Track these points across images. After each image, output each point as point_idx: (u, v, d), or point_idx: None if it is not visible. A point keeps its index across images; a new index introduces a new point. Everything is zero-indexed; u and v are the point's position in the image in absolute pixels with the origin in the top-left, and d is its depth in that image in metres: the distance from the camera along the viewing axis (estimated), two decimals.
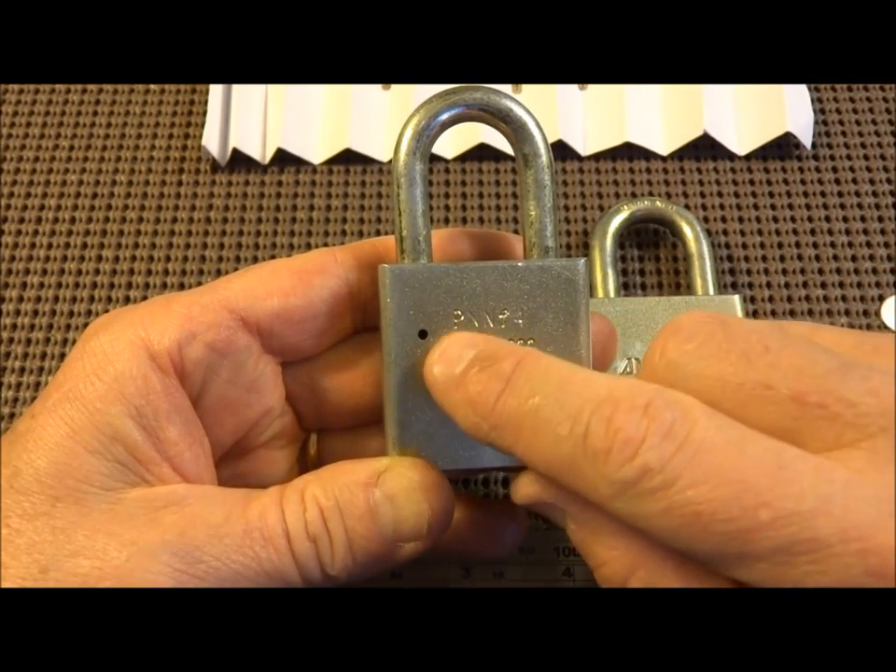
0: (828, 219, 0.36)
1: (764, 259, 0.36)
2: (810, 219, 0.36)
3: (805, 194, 0.37)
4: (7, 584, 0.20)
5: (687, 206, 0.37)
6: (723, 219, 0.36)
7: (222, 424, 0.24)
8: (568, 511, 0.21)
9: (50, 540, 0.20)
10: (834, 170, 0.37)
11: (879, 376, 0.18)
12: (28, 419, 0.22)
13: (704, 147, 0.38)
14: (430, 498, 0.23)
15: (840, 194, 0.37)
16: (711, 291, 0.33)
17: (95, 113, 0.40)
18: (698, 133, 0.37)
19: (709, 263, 0.34)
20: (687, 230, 0.35)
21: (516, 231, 0.36)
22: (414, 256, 0.23)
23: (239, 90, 0.39)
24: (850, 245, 0.36)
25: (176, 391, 0.22)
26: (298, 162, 0.38)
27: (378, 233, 0.37)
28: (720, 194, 0.37)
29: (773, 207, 0.37)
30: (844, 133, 0.38)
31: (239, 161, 0.38)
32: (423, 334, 0.23)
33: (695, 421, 0.18)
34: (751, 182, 0.37)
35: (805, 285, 0.35)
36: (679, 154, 0.38)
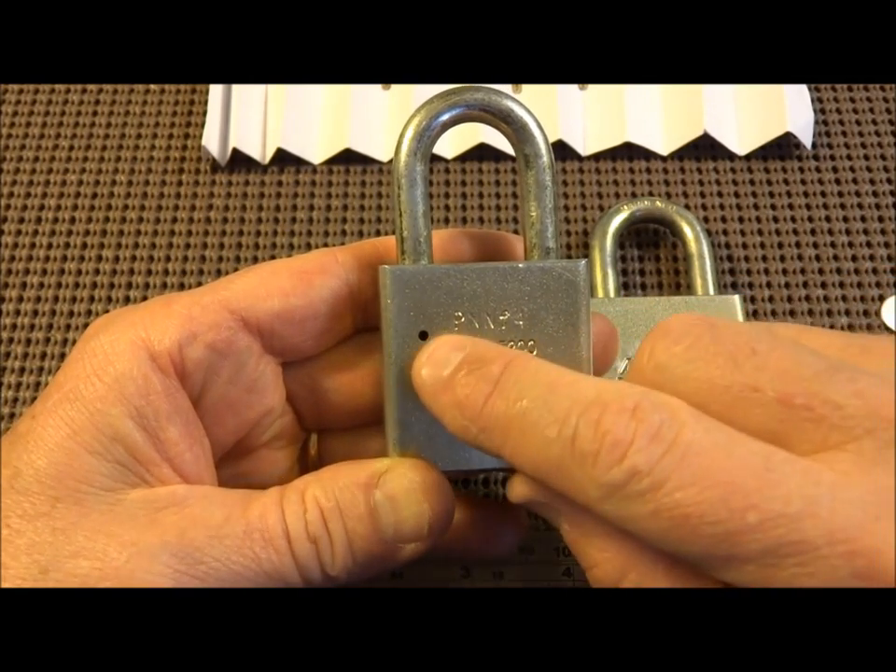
0: (828, 219, 0.36)
1: (764, 259, 0.36)
2: (810, 219, 0.36)
3: (805, 194, 0.37)
4: (7, 584, 0.20)
5: (687, 206, 0.37)
6: (723, 219, 0.36)
7: (223, 424, 0.24)
8: (561, 511, 0.21)
9: (50, 541, 0.20)
10: (834, 170, 0.37)
11: (866, 378, 0.18)
12: (28, 419, 0.22)
13: (704, 147, 0.38)
14: (431, 499, 0.23)
15: (840, 194, 0.37)
16: (711, 291, 0.33)
17: (95, 113, 0.39)
18: (698, 133, 0.37)
19: (709, 263, 0.34)
20: (687, 230, 0.35)
21: (516, 232, 0.36)
22: (415, 257, 0.23)
23: (239, 90, 0.39)
24: (850, 245, 0.36)
25: (177, 392, 0.22)
26: (298, 162, 0.38)
27: (378, 233, 0.37)
28: (720, 194, 0.37)
29: (773, 207, 0.37)
30: (844, 133, 0.38)
31: (239, 161, 0.38)
32: (423, 335, 0.23)
33: (683, 423, 0.18)
34: (751, 182, 0.37)
35: (805, 285, 0.35)
36: (679, 154, 0.38)
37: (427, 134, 0.23)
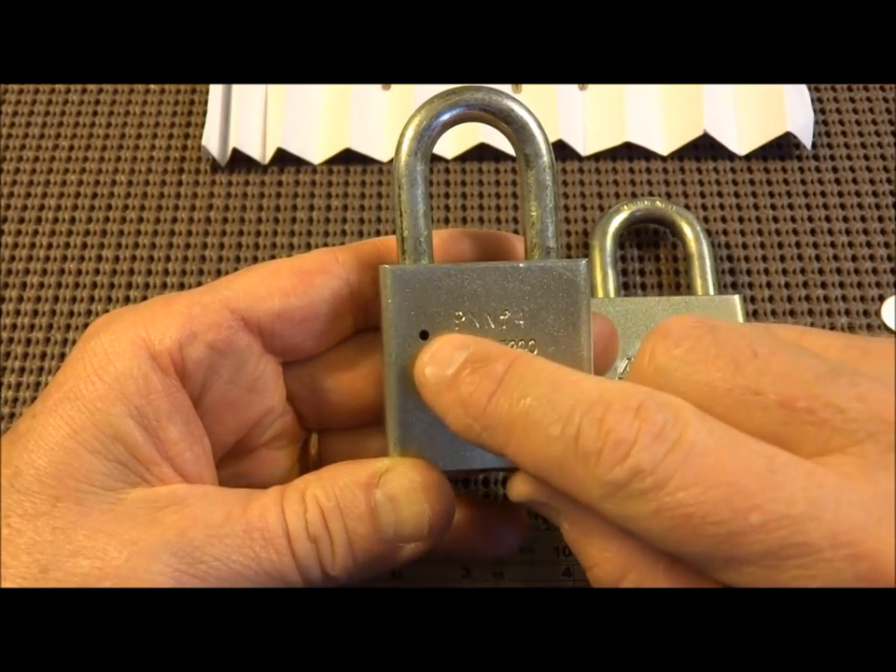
0: (828, 219, 0.36)
1: (764, 259, 0.36)
2: (810, 219, 0.36)
3: (805, 194, 0.37)
4: (7, 584, 0.20)
5: (687, 206, 0.37)
6: (723, 219, 0.36)
7: (223, 424, 0.24)
8: (562, 510, 0.21)
9: (51, 540, 0.20)
10: (834, 170, 0.37)
11: (867, 381, 0.18)
12: (29, 419, 0.22)
13: (704, 147, 0.38)
14: (431, 499, 0.23)
15: (840, 194, 0.37)
16: (711, 291, 0.33)
17: (95, 113, 0.39)
18: (698, 133, 0.37)
19: (709, 263, 0.34)
20: (687, 230, 0.35)
21: (516, 232, 0.36)
22: (416, 256, 0.23)
23: (239, 90, 0.39)
24: (850, 244, 0.36)
25: (177, 391, 0.22)
26: (298, 162, 0.38)
27: (378, 233, 0.37)
28: (720, 194, 0.37)
29: (773, 207, 0.37)
30: (844, 133, 0.38)
31: (239, 161, 0.38)
32: (424, 335, 0.23)
33: (687, 423, 0.18)
34: (751, 182, 0.37)
35: (805, 285, 0.35)
36: (679, 154, 0.38)
37: (428, 134, 0.23)
